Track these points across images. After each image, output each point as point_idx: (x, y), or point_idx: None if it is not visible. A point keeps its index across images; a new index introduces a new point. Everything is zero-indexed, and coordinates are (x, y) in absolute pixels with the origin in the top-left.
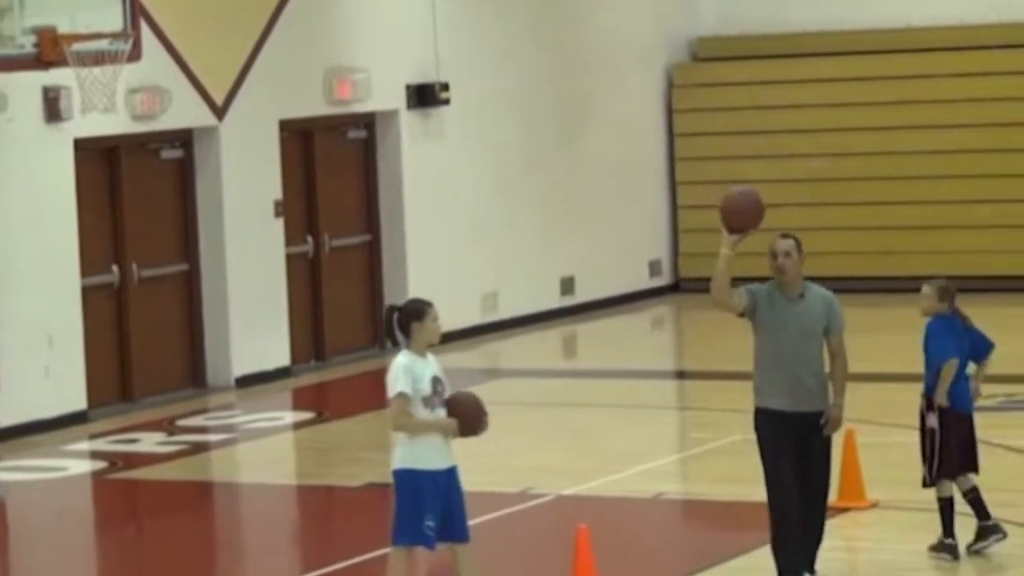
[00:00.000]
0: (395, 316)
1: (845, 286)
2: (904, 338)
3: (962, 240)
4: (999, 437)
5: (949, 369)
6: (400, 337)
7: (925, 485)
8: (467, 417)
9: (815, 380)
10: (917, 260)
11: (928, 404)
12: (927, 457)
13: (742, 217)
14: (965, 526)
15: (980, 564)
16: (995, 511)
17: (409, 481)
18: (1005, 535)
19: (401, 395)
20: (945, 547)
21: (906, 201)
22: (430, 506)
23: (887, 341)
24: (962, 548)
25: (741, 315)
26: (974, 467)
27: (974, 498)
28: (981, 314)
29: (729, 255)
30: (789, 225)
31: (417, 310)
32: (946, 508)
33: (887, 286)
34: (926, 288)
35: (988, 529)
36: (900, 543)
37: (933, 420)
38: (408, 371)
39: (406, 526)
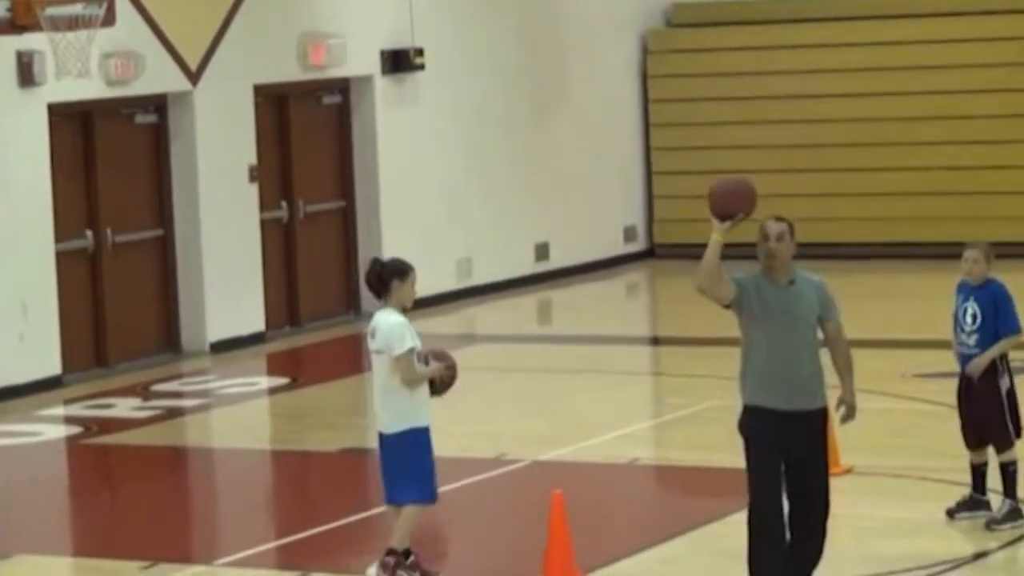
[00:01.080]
0: (378, 270)
1: (821, 252)
2: (879, 305)
3: (943, 206)
4: None
5: (1015, 341)
6: (377, 293)
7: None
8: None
9: (810, 374)
10: (894, 226)
11: (987, 369)
12: (1010, 416)
13: (734, 200)
14: (942, 494)
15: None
16: (965, 476)
17: (416, 439)
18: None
19: (411, 350)
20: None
21: (882, 168)
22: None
23: (862, 308)
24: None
25: (727, 307)
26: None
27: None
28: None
29: (720, 243)
30: (764, 191)
31: (401, 269)
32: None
33: (862, 252)
34: (974, 252)
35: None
36: (876, 509)
37: (1007, 381)
38: (409, 327)
39: (426, 483)
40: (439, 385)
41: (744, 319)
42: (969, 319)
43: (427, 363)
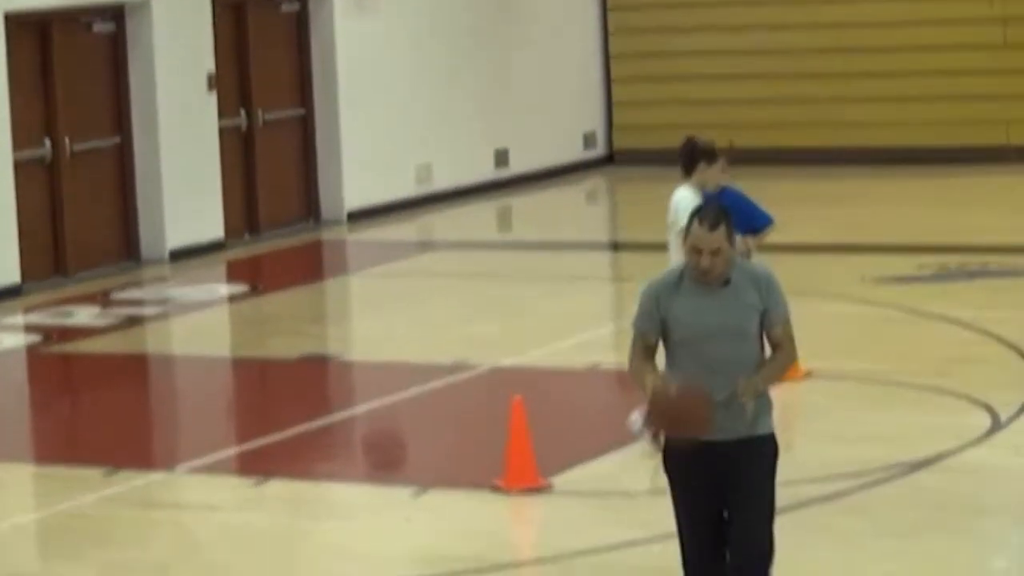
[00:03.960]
0: (691, 148)
1: (781, 158)
2: (838, 210)
3: (905, 112)
4: (938, 307)
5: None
6: (685, 169)
7: None
8: None
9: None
10: (854, 131)
11: None
12: None
13: (678, 429)
14: (902, 398)
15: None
16: (931, 381)
17: None
18: None
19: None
20: None
21: (842, 73)
22: None
23: (822, 213)
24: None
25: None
26: None
27: None
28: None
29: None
30: (723, 96)
31: (711, 152)
32: None
33: (822, 157)
34: (722, 162)
35: None
36: (837, 411)
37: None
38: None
39: None
40: None
41: (664, 331)
42: None
43: None
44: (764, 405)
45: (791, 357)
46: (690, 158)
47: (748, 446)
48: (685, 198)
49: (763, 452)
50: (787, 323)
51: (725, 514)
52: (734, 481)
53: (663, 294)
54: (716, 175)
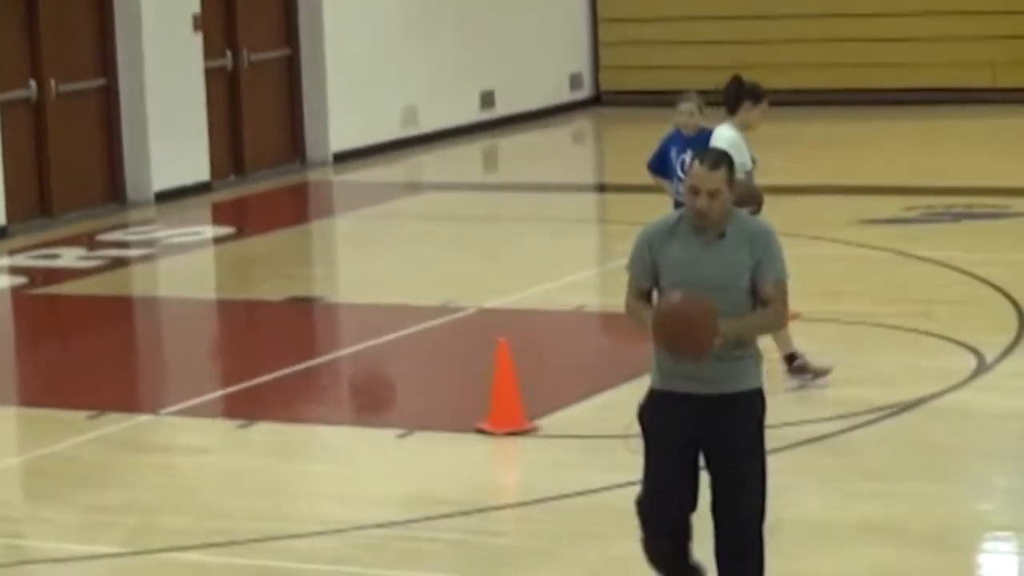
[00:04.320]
0: (736, 87)
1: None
2: (829, 152)
3: (895, 53)
4: (924, 249)
5: None
6: (729, 107)
7: None
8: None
9: (738, 350)
10: (846, 73)
11: None
12: None
13: (684, 341)
14: (891, 339)
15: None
16: (917, 323)
17: None
18: None
19: (741, 165)
20: None
21: (834, 14)
22: None
23: (813, 155)
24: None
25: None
26: None
27: None
28: (894, 128)
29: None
30: (716, 38)
31: (757, 93)
32: None
33: (813, 99)
34: (689, 105)
35: None
36: (822, 355)
37: None
38: (742, 145)
39: None
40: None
41: (659, 289)
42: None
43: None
44: (751, 358)
45: (778, 317)
46: (735, 97)
47: (732, 402)
48: (724, 137)
49: (748, 410)
50: (780, 282)
51: (703, 475)
52: (718, 440)
53: (656, 239)
54: (759, 116)
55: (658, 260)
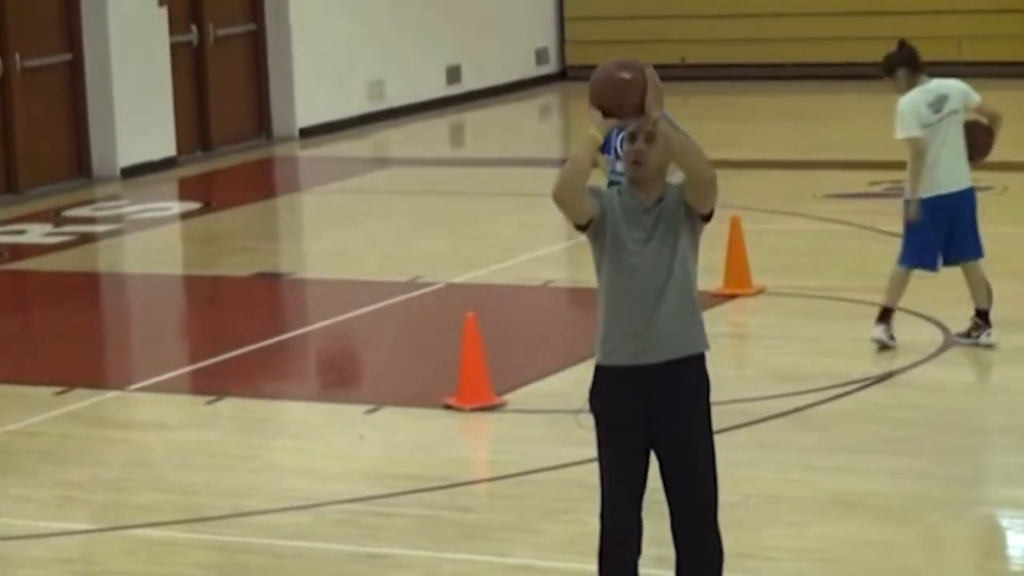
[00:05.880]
0: (913, 51)
1: (733, 73)
2: (791, 125)
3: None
4: (889, 224)
5: None
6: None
7: None
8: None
9: (686, 316)
10: (809, 46)
11: None
12: None
13: (627, 89)
14: (853, 313)
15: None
16: (877, 297)
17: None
18: None
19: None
20: None
21: None
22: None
23: (774, 128)
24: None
25: (581, 228)
26: None
27: None
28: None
29: (598, 141)
30: (681, 11)
31: (917, 63)
32: None
33: (774, 73)
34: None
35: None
36: (787, 329)
37: None
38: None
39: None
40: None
41: (598, 247)
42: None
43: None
44: (694, 318)
45: (705, 161)
46: (897, 62)
47: (682, 374)
48: (912, 101)
49: (699, 384)
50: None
51: (653, 457)
52: (670, 421)
53: (607, 195)
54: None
55: (611, 218)
